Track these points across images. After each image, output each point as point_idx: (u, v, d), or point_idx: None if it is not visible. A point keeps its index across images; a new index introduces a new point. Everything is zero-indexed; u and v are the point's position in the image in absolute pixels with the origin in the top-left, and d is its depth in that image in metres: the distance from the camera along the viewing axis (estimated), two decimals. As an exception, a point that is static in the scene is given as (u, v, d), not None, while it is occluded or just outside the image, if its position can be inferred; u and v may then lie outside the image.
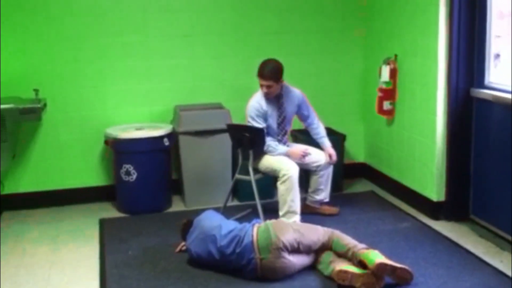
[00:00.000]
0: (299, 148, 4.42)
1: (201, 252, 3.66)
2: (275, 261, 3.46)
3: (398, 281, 3.37)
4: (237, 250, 3.52)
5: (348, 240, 3.58)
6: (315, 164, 4.44)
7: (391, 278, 3.36)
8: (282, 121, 4.42)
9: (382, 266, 3.30)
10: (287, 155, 4.29)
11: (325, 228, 3.70)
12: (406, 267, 3.39)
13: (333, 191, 4.69)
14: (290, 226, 3.63)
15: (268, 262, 3.47)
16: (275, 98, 4.39)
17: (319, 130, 4.57)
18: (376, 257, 3.34)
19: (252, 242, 3.50)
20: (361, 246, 3.51)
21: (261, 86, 4.31)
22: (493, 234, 4.05)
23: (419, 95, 4.56)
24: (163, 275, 3.66)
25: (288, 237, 3.49)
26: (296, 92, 4.53)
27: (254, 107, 4.35)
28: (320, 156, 4.45)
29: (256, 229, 3.57)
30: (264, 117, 4.34)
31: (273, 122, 4.39)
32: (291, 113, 4.49)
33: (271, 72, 4.26)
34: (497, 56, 4.20)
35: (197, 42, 5.08)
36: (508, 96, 3.88)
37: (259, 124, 4.31)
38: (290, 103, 4.46)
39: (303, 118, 4.58)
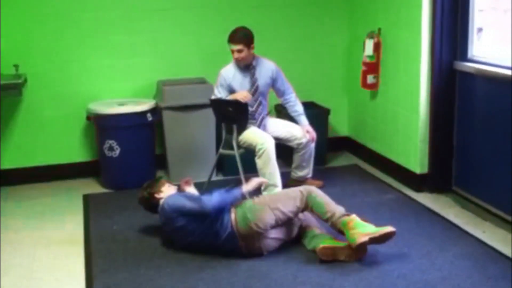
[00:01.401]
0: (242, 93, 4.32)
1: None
2: (256, 242, 3.48)
3: (382, 242, 3.38)
4: (219, 227, 3.50)
5: (325, 204, 3.52)
6: (296, 142, 4.44)
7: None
8: (255, 92, 4.39)
9: (363, 245, 3.32)
10: (233, 98, 4.26)
11: (301, 189, 3.60)
12: (386, 231, 3.34)
13: (317, 165, 4.71)
14: (267, 206, 3.52)
15: (250, 244, 3.48)
16: (247, 68, 4.37)
17: (297, 108, 4.55)
18: (356, 233, 3.31)
19: (232, 228, 3.47)
20: (339, 213, 3.47)
21: (232, 52, 4.29)
22: (476, 205, 4.12)
23: (403, 68, 4.57)
24: (149, 249, 3.67)
25: (267, 220, 3.46)
26: (270, 64, 4.49)
27: (222, 75, 4.37)
28: (300, 134, 4.45)
29: (234, 215, 3.52)
30: (228, 89, 4.34)
31: (239, 89, 4.35)
32: (265, 85, 4.45)
33: (240, 37, 4.26)
34: (480, 30, 4.22)
35: (179, 17, 5.03)
36: (490, 69, 3.91)
37: (220, 93, 4.32)
38: (263, 74, 4.43)
39: (279, 93, 4.56)
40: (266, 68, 4.46)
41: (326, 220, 3.52)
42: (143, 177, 4.77)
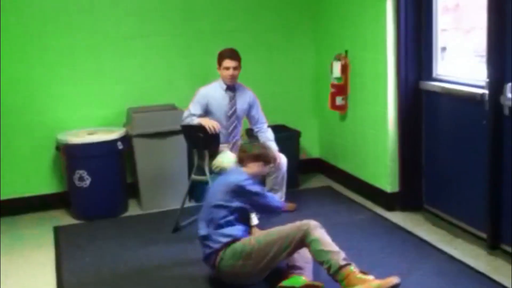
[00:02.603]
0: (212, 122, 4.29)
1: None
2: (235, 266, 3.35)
3: None
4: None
5: (323, 251, 3.20)
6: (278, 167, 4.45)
7: None
8: (232, 114, 4.42)
9: None
10: (200, 123, 4.23)
11: (299, 228, 3.32)
12: (390, 284, 3.05)
13: (289, 187, 4.71)
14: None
15: (227, 266, 3.37)
16: (228, 90, 4.40)
17: (267, 135, 4.58)
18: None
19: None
20: (336, 262, 3.14)
21: (227, 68, 4.33)
22: (447, 223, 4.16)
23: (370, 89, 4.63)
24: (123, 280, 3.61)
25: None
26: (249, 91, 4.55)
27: (200, 93, 4.39)
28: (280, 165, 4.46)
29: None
30: (205, 108, 4.35)
31: (222, 114, 4.38)
32: (242, 110, 4.49)
33: (238, 54, 4.35)
34: (444, 49, 4.31)
35: (147, 43, 5.03)
36: (455, 87, 3.99)
37: (195, 111, 4.32)
38: (242, 99, 4.48)
39: (253, 121, 4.59)
40: (245, 94, 4.51)
41: (324, 268, 3.21)
42: (114, 207, 4.78)
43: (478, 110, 3.69)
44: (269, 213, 3.82)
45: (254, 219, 4.07)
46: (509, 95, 3.47)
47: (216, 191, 3.54)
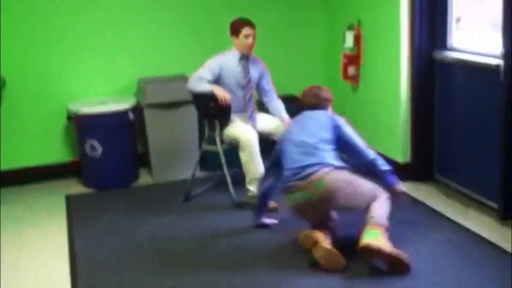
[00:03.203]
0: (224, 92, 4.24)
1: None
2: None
3: (390, 267, 3.14)
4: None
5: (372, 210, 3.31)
6: (279, 135, 4.43)
7: (382, 263, 3.18)
8: (247, 84, 4.37)
9: (365, 250, 3.13)
10: (212, 90, 4.17)
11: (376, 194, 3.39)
12: (400, 257, 3.11)
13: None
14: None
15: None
16: (241, 59, 4.34)
17: (278, 105, 4.53)
18: (367, 236, 3.15)
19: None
20: (371, 219, 3.25)
21: (247, 37, 4.25)
22: (458, 193, 4.15)
23: (383, 59, 4.58)
24: (134, 250, 3.63)
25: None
26: (260, 62, 4.50)
27: (215, 60, 4.29)
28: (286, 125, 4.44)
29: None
30: (216, 76, 4.26)
31: (236, 84, 4.31)
32: (255, 79, 4.44)
33: (253, 23, 4.28)
34: (458, 19, 4.24)
35: (157, 15, 4.99)
36: (469, 57, 3.94)
37: (206, 75, 4.21)
38: (255, 68, 4.43)
39: (263, 92, 4.52)
40: (256, 64, 4.45)
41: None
42: (125, 176, 4.80)
43: (492, 81, 3.65)
44: (364, 166, 3.56)
45: None
46: (525, 65, 3.42)
47: (312, 131, 3.49)
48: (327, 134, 3.51)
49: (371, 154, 3.56)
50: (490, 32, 3.94)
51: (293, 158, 3.46)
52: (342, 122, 3.62)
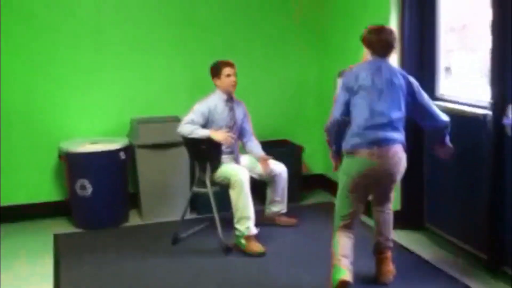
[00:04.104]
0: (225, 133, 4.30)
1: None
2: None
3: None
4: None
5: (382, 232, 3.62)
6: (268, 176, 4.46)
7: None
8: (233, 126, 4.42)
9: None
10: (212, 137, 4.19)
11: None
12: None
13: (291, 203, 4.71)
14: None
15: None
16: (227, 101, 4.40)
17: (255, 144, 4.58)
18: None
19: None
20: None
21: (229, 76, 4.33)
22: (448, 242, 4.13)
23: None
24: (120, 290, 3.60)
25: None
26: (242, 103, 4.57)
27: (203, 105, 4.33)
28: (272, 166, 4.46)
29: None
30: (207, 119, 4.31)
31: (224, 126, 4.35)
32: (240, 120, 4.49)
33: (232, 62, 4.37)
34: (448, 69, 4.31)
35: (150, 55, 5.07)
36: (458, 107, 3.98)
37: (198, 120, 4.25)
38: (239, 110, 4.50)
39: (244, 132, 4.57)
40: (240, 105, 4.52)
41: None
42: (115, 217, 4.78)
43: (480, 131, 3.68)
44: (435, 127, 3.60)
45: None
46: (512, 116, 3.46)
47: (390, 102, 3.36)
48: (403, 104, 3.40)
49: (445, 116, 3.56)
50: (480, 83, 4.00)
51: (366, 123, 3.32)
52: (416, 84, 3.51)
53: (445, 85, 4.25)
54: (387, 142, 3.31)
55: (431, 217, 4.36)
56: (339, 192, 3.48)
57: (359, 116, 3.35)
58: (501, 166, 3.57)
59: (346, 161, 3.42)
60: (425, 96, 3.54)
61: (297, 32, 5.40)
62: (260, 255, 4.02)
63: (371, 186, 3.44)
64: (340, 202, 3.48)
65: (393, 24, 4.27)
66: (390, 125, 3.33)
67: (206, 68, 4.73)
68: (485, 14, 3.62)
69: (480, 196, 3.75)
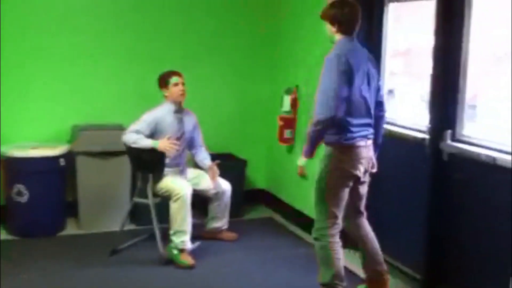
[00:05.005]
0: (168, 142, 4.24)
1: None
2: None
3: None
4: None
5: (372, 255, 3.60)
6: (212, 191, 4.45)
7: None
8: (181, 137, 4.40)
9: None
10: (155, 146, 4.16)
11: None
12: None
13: (232, 217, 4.70)
14: None
15: None
16: (177, 112, 4.37)
17: (205, 155, 4.58)
18: None
19: None
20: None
21: (176, 85, 4.31)
22: (385, 262, 4.20)
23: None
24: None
25: None
26: (193, 114, 4.55)
27: (150, 116, 4.28)
28: (220, 182, 4.47)
29: None
30: (153, 129, 4.26)
31: (172, 137, 4.30)
32: (189, 132, 4.48)
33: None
34: (391, 91, 4.42)
35: (100, 63, 4.99)
36: (399, 130, 4.08)
37: (143, 130, 4.20)
38: (188, 122, 4.48)
39: (194, 143, 4.56)
40: (190, 116, 4.50)
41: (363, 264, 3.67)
42: (52, 225, 4.65)
43: (420, 155, 3.79)
44: None
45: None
46: (448, 141, 3.58)
47: (372, 86, 3.39)
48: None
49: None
50: (421, 107, 4.11)
51: (360, 112, 3.31)
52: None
53: (387, 108, 4.34)
54: (370, 136, 3.43)
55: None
56: (325, 193, 3.37)
57: (359, 113, 3.32)
58: (439, 190, 3.67)
59: (340, 153, 3.34)
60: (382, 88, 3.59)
61: (250, 48, 5.42)
62: (190, 268, 4.01)
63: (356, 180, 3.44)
64: (331, 201, 3.37)
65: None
66: (372, 123, 3.44)
67: (154, 78, 4.70)
68: (428, 40, 3.74)
69: (417, 216, 3.83)
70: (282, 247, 4.55)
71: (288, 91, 5.00)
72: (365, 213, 3.67)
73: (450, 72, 3.59)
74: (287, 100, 4.96)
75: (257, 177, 5.61)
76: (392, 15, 4.26)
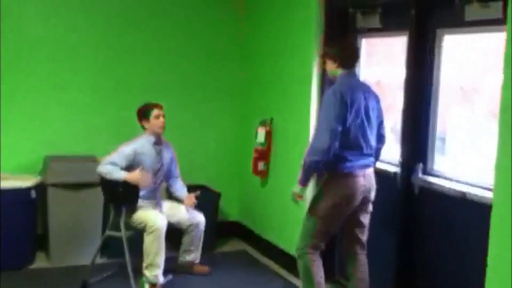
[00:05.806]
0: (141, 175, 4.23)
1: None
2: None
3: None
4: None
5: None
6: (187, 224, 4.42)
7: None
8: (159, 169, 4.38)
9: None
10: (125, 178, 4.13)
11: None
12: None
13: (205, 251, 4.65)
14: None
15: None
16: (155, 144, 4.35)
17: (181, 186, 4.59)
18: None
19: None
20: None
21: (158, 117, 4.29)
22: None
23: (291, 159, 4.70)
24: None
25: None
26: (170, 146, 4.55)
27: (128, 148, 4.24)
28: (191, 215, 4.44)
29: None
30: (131, 161, 4.22)
31: (151, 169, 4.29)
32: (168, 164, 4.46)
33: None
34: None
35: (73, 93, 4.96)
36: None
37: (120, 162, 4.17)
38: (167, 153, 4.47)
39: (170, 174, 4.55)
40: (168, 148, 4.50)
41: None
42: (21, 258, 4.55)
43: (391, 188, 3.82)
44: None
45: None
46: (420, 175, 3.62)
47: (372, 123, 3.53)
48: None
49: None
50: (392, 140, 4.17)
51: (357, 144, 3.45)
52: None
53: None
54: (370, 166, 3.55)
55: (340, 271, 4.43)
56: (316, 218, 3.51)
57: (355, 145, 3.45)
58: (410, 223, 3.70)
59: (338, 181, 3.47)
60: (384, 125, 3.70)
61: (224, 80, 5.46)
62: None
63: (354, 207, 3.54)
64: (320, 227, 3.52)
65: (314, 77, 4.40)
66: (372, 154, 3.55)
67: (128, 109, 4.70)
68: (400, 73, 3.80)
69: (388, 247, 3.84)
70: (255, 282, 4.51)
71: (262, 123, 5.02)
72: (365, 246, 3.69)
73: (421, 105, 3.65)
74: (261, 132, 4.98)
75: (231, 210, 5.59)
76: (364, 49, 4.34)
